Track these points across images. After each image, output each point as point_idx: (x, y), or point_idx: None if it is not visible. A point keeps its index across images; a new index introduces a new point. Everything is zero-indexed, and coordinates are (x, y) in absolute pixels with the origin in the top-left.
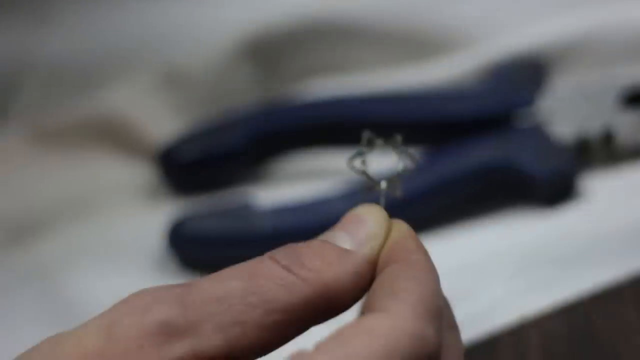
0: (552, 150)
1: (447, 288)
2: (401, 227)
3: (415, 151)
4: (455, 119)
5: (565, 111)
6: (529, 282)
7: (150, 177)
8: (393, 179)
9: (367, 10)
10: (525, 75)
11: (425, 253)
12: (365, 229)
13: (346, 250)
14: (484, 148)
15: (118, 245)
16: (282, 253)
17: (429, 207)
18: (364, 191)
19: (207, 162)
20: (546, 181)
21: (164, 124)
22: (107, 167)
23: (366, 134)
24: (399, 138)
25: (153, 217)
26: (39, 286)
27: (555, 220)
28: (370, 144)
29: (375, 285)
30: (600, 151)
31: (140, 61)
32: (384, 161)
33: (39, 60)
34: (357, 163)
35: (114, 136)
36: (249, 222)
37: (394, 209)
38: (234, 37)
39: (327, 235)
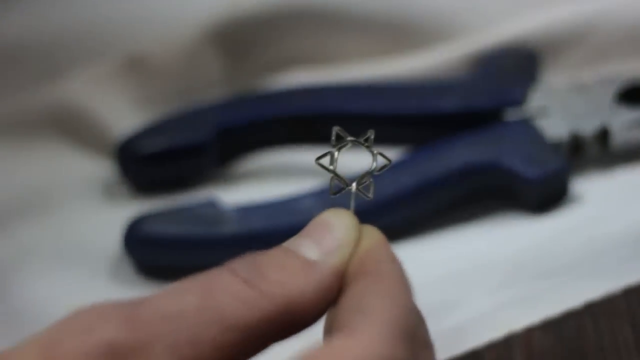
0: (543, 149)
1: (429, 299)
2: (372, 234)
3: (389, 150)
4: (440, 114)
5: (558, 107)
6: (517, 294)
7: (109, 172)
8: (364, 179)
9: None
10: (516, 67)
11: (397, 263)
12: (332, 237)
13: (311, 261)
14: (469, 146)
15: (72, 247)
16: (241, 264)
17: (409, 210)
18: (333, 193)
19: (168, 156)
20: (537, 183)
21: (125, 115)
22: (63, 161)
23: (335, 130)
24: (371, 135)
25: (111, 217)
26: None
27: (545, 226)
28: (339, 141)
29: (343, 301)
30: (595, 150)
31: (101, 47)
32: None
33: None
34: (326, 162)
35: (71, 128)
36: (213, 222)
37: (373, 212)
38: (201, 22)
39: (292, 243)
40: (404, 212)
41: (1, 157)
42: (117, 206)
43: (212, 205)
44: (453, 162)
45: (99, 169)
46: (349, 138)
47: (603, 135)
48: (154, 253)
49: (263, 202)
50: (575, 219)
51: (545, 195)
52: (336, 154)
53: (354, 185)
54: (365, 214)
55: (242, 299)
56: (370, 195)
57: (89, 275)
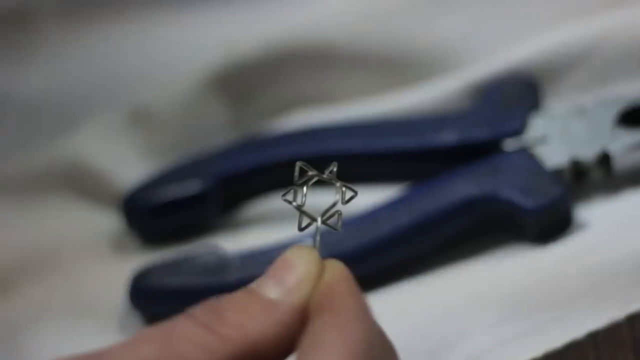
0: (543, 178)
1: (429, 337)
2: (335, 269)
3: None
4: (439, 148)
5: (558, 133)
6: (518, 328)
7: (117, 224)
8: (330, 213)
9: (344, 35)
10: (516, 96)
11: (357, 297)
12: (293, 275)
13: (272, 301)
14: (468, 179)
15: (81, 302)
16: (202, 310)
17: (409, 247)
18: (301, 229)
19: (172, 207)
20: (537, 213)
21: (132, 167)
22: (71, 216)
23: (298, 165)
24: (334, 168)
25: (119, 269)
26: None
27: (547, 256)
28: (302, 176)
29: (303, 339)
30: (598, 175)
31: (105, 101)
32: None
33: (11, 103)
34: (291, 197)
35: (78, 182)
36: (217, 271)
37: (372, 251)
38: (202, 70)
39: (256, 284)
40: (403, 249)
41: (10, 214)
42: (124, 258)
43: (215, 253)
44: (452, 196)
45: (107, 221)
46: (310, 173)
47: (604, 159)
48: (160, 305)
49: (266, 248)
50: (578, 247)
51: (547, 224)
52: (304, 189)
53: (319, 219)
54: (364, 253)
55: (202, 345)
56: (338, 227)
57: (97, 330)
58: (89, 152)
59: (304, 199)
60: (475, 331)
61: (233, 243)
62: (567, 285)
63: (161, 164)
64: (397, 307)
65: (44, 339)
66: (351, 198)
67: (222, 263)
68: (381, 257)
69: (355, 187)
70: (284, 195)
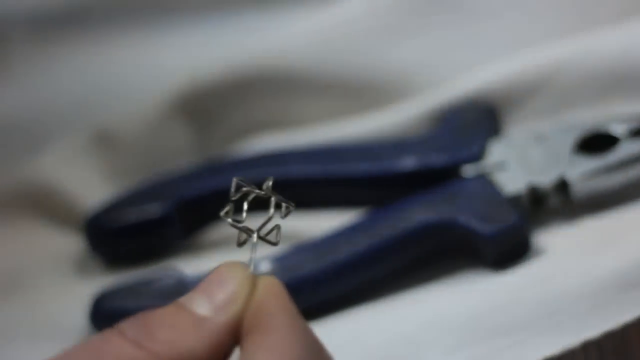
0: (501, 204)
1: None
2: (268, 285)
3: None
4: (398, 174)
5: (517, 159)
6: (474, 354)
7: (79, 246)
8: (266, 227)
9: (305, 59)
10: (475, 122)
11: (289, 315)
12: (224, 291)
13: (202, 317)
14: (425, 205)
15: (42, 324)
16: (131, 325)
17: (366, 272)
18: (239, 244)
19: (133, 230)
20: (494, 239)
21: (94, 189)
22: (33, 237)
23: (235, 180)
24: (269, 182)
25: (80, 291)
26: None
27: (504, 282)
28: (238, 191)
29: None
30: (556, 201)
31: (72, 122)
32: None
33: None
34: (229, 213)
35: (41, 203)
36: (177, 295)
37: (329, 276)
38: (165, 93)
39: (185, 299)
40: (361, 274)
41: None
42: (86, 280)
43: (175, 277)
44: (409, 222)
45: (69, 243)
46: (245, 188)
47: (562, 186)
48: None
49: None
50: (535, 273)
51: (504, 250)
52: (238, 204)
53: (254, 235)
54: (322, 278)
55: None
56: (275, 241)
57: (58, 351)
58: (53, 173)
59: (243, 215)
60: (431, 356)
61: (194, 266)
62: (523, 311)
63: (124, 186)
64: (353, 332)
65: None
66: (288, 212)
67: (182, 287)
68: (338, 282)
69: (315, 212)
70: (222, 211)
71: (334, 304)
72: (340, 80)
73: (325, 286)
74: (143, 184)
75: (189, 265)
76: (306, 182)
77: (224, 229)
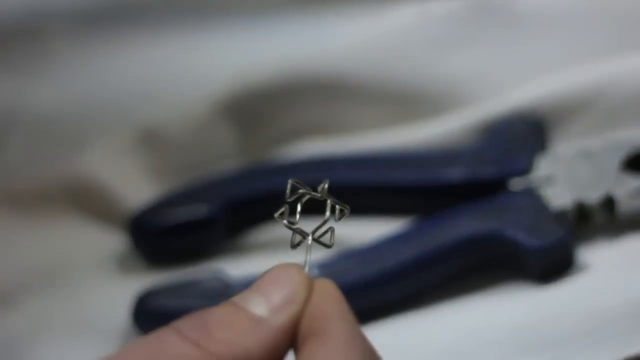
0: (547, 219)
1: None
2: (325, 289)
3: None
4: (445, 184)
5: (564, 175)
6: None
7: (122, 245)
8: (321, 230)
9: (356, 67)
10: (523, 136)
11: (348, 321)
12: (282, 292)
13: (259, 318)
14: (473, 216)
15: (83, 320)
16: (188, 324)
17: (412, 281)
18: (293, 246)
19: (178, 230)
20: (540, 253)
21: (138, 188)
22: (77, 235)
23: (290, 182)
24: (325, 184)
25: (122, 289)
26: None
27: (548, 297)
28: (293, 193)
29: None
30: (601, 218)
31: (115, 121)
32: None
33: (22, 118)
34: (284, 215)
35: (85, 200)
36: (220, 296)
37: (375, 283)
38: (213, 94)
39: (241, 299)
40: (406, 283)
41: (16, 230)
42: (129, 278)
43: (218, 278)
44: (456, 233)
45: (112, 241)
46: (301, 190)
47: (608, 203)
48: (162, 326)
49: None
50: (579, 289)
51: (549, 265)
52: (298, 206)
53: (309, 237)
54: (367, 285)
55: None
56: (330, 244)
57: (98, 349)
58: (98, 170)
59: (297, 217)
60: None
61: (237, 268)
62: (566, 326)
63: (168, 186)
64: (396, 341)
65: (45, 355)
66: (343, 214)
67: (226, 288)
68: (383, 290)
69: (361, 219)
70: (276, 213)
71: (378, 312)
72: (389, 89)
73: (369, 294)
74: (189, 184)
75: (232, 267)
76: (353, 188)
77: (267, 232)
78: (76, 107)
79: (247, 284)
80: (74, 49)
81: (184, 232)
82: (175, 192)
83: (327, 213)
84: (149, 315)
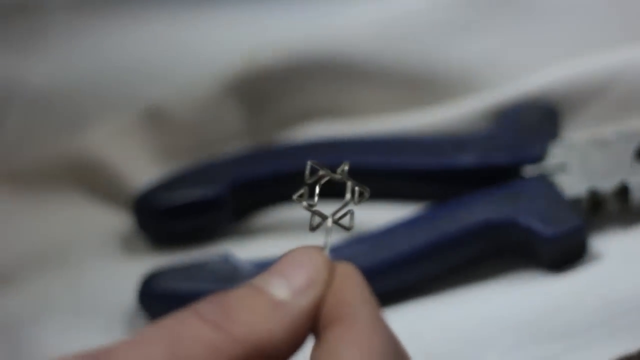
0: (561, 207)
1: (441, 358)
2: (346, 273)
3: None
4: (458, 170)
5: (578, 163)
6: (532, 356)
7: (127, 225)
8: (341, 212)
9: (367, 49)
10: (536, 123)
11: (371, 305)
12: (303, 275)
13: (281, 301)
14: (487, 203)
15: (88, 300)
16: (209, 307)
17: (425, 267)
18: (312, 228)
19: (184, 210)
20: (554, 241)
21: (144, 167)
22: (81, 213)
23: (309, 164)
24: (345, 166)
25: (127, 270)
26: (2, 341)
27: (562, 285)
28: (313, 175)
29: (318, 351)
30: (615, 207)
31: (121, 99)
32: None
33: (20, 95)
34: (303, 196)
35: (89, 180)
36: (228, 278)
37: (388, 268)
38: (220, 75)
39: (261, 280)
40: (419, 268)
41: (19, 208)
42: (133, 259)
43: (226, 260)
44: (470, 219)
45: (117, 221)
46: (321, 172)
47: (623, 192)
48: (168, 308)
49: (278, 257)
50: (593, 277)
51: (562, 253)
52: (317, 188)
53: (329, 219)
54: (380, 270)
55: (211, 345)
56: (350, 226)
57: (103, 329)
58: (102, 149)
59: (315, 199)
60: (488, 356)
61: (245, 251)
62: (581, 315)
63: (174, 166)
64: (410, 327)
65: (47, 335)
66: (362, 197)
67: (234, 271)
68: (396, 275)
69: (373, 204)
70: (295, 195)
71: (390, 298)
72: (400, 72)
73: (381, 279)
74: (195, 165)
75: (239, 249)
76: (364, 172)
77: (275, 214)
78: (78, 84)
79: (255, 267)
80: (76, 25)
81: (190, 213)
82: (181, 173)
83: (348, 195)
84: (156, 297)
